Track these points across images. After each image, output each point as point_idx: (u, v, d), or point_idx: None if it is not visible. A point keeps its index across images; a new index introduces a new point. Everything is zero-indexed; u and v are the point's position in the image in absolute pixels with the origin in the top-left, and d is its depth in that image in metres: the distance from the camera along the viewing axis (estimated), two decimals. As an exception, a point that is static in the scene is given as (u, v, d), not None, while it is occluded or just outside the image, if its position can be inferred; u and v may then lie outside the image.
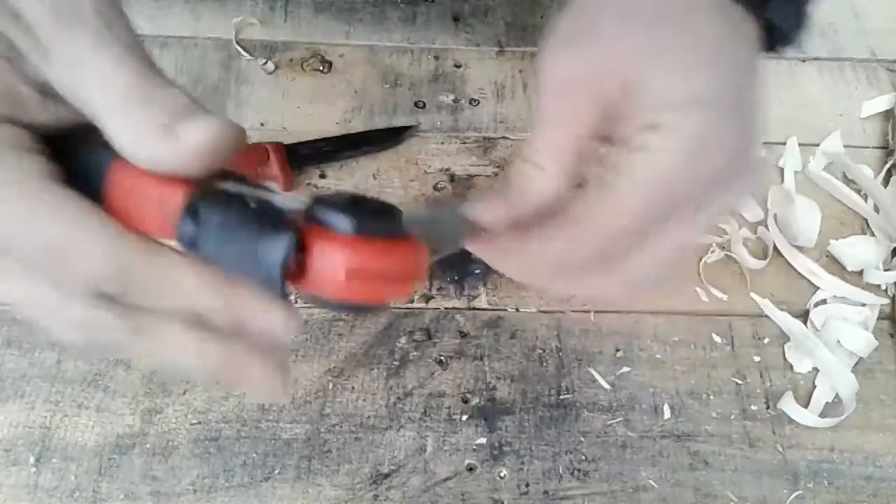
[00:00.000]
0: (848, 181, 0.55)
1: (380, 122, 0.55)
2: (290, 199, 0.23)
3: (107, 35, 0.22)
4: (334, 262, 0.22)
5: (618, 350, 0.48)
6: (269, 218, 0.22)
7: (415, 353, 0.47)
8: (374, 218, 0.23)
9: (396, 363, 0.46)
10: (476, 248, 0.31)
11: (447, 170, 0.53)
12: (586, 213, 0.28)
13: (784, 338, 0.49)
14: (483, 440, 0.44)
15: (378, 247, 0.22)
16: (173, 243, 0.23)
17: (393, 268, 0.22)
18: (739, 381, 0.47)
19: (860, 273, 0.51)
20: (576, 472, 0.44)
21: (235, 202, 0.22)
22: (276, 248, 0.21)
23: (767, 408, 0.46)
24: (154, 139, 0.22)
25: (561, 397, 0.46)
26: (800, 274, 0.51)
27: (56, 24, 0.21)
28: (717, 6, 0.29)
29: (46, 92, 0.23)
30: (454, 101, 0.56)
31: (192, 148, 0.22)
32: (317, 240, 0.22)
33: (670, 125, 0.27)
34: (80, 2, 0.22)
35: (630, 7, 0.28)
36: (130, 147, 0.22)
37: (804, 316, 0.49)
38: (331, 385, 0.45)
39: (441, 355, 0.47)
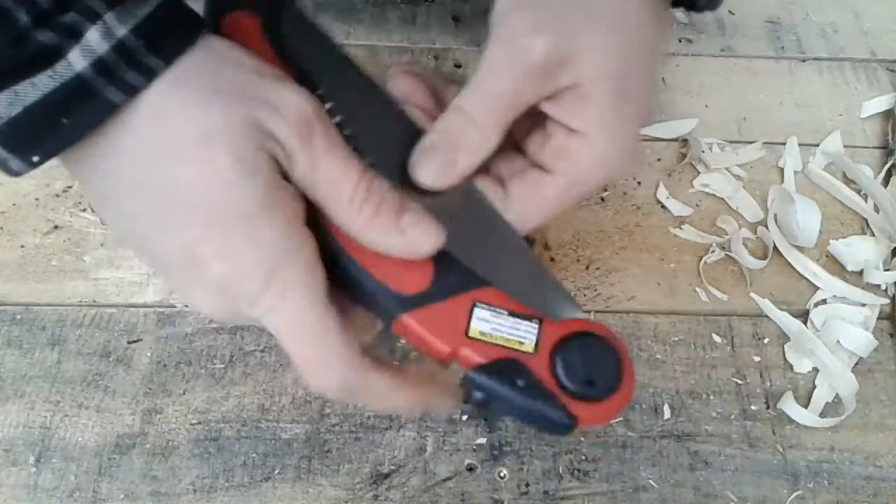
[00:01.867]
0: (848, 181, 0.55)
1: (380, 122, 0.55)
2: (532, 330, 0.29)
3: (337, 144, 0.28)
4: (594, 422, 0.28)
5: (618, 350, 0.48)
6: (542, 397, 0.28)
7: (415, 353, 0.47)
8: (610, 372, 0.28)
9: (396, 363, 0.46)
10: None
11: (447, 170, 0.53)
12: (516, 203, 0.32)
13: (784, 338, 0.49)
14: (483, 440, 0.44)
15: (628, 389, 0.29)
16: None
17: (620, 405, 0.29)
18: (739, 381, 0.47)
19: (860, 273, 0.51)
20: (576, 472, 0.44)
21: (507, 381, 0.28)
22: (556, 424, 0.28)
23: (767, 408, 0.46)
24: (385, 232, 0.28)
25: (561, 397, 0.46)
26: (800, 274, 0.51)
27: (299, 139, 0.27)
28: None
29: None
30: (454, 101, 0.56)
31: (416, 243, 0.28)
32: (581, 412, 0.28)
33: (589, 132, 0.31)
34: (312, 124, 0.27)
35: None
36: (360, 233, 0.28)
37: (804, 316, 0.49)
38: (331, 385, 0.45)
39: (441, 355, 0.47)
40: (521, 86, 0.30)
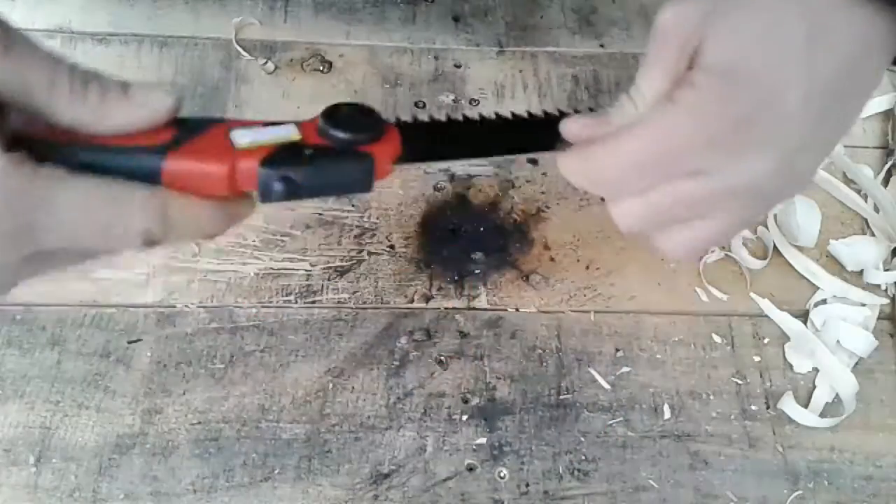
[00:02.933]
0: (848, 181, 0.55)
1: (380, 122, 0.55)
2: (291, 127, 0.31)
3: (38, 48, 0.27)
4: (387, 163, 0.32)
5: (618, 350, 0.48)
6: (330, 155, 0.31)
7: (415, 353, 0.47)
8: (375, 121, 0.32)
9: (396, 363, 0.46)
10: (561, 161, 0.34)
11: (447, 170, 0.53)
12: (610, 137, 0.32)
13: (784, 338, 0.49)
14: (483, 440, 0.44)
15: (395, 136, 0.32)
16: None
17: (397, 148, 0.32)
18: (739, 381, 0.47)
19: (860, 273, 0.51)
20: (576, 472, 0.44)
21: (295, 159, 0.30)
22: (357, 173, 0.31)
23: (767, 408, 0.46)
24: (119, 108, 0.28)
25: (561, 397, 0.46)
26: (800, 274, 0.51)
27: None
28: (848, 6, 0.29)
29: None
30: (454, 101, 0.56)
31: (153, 109, 0.28)
32: (376, 153, 0.31)
33: (695, 84, 0.30)
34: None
35: None
36: (95, 120, 0.27)
37: (804, 316, 0.49)
38: (331, 385, 0.45)
39: (441, 355, 0.47)
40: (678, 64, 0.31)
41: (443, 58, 0.58)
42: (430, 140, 0.35)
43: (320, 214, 0.51)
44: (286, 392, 0.45)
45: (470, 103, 0.56)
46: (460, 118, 0.36)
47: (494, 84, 0.57)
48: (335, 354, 0.46)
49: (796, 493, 0.44)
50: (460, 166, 0.53)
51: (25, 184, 0.26)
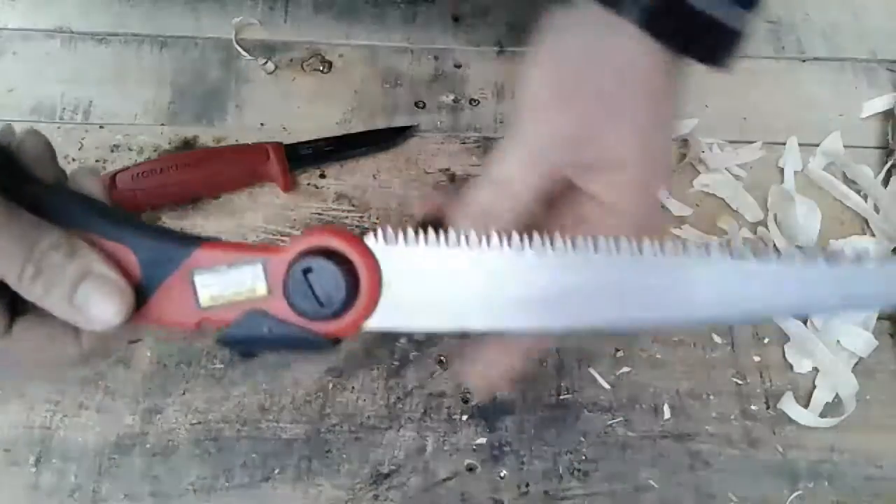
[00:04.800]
0: (848, 181, 0.55)
1: (380, 122, 0.55)
2: (258, 270, 0.28)
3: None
4: (350, 330, 0.28)
5: (618, 350, 0.48)
6: (291, 333, 0.28)
7: (415, 353, 0.47)
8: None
9: (396, 363, 0.46)
10: None
11: (447, 170, 0.53)
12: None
13: (784, 338, 0.49)
14: (483, 440, 0.44)
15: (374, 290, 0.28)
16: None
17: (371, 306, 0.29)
18: (739, 381, 0.47)
19: (860, 273, 0.51)
20: (576, 472, 0.44)
21: (255, 332, 0.28)
22: (317, 348, 0.28)
23: (767, 408, 0.46)
24: (59, 309, 0.27)
25: (561, 397, 0.46)
26: (800, 274, 0.51)
27: None
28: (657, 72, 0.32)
29: None
30: (454, 101, 0.56)
31: (91, 318, 0.27)
32: (333, 328, 0.28)
33: (608, 200, 0.31)
34: None
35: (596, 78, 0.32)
36: (40, 305, 0.27)
37: (804, 316, 0.49)
38: (331, 385, 0.45)
39: (441, 355, 0.47)
40: (547, 155, 0.31)
41: (443, 58, 0.58)
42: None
43: (320, 214, 0.51)
44: (286, 392, 0.45)
45: (470, 103, 0.56)
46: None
47: (494, 84, 0.57)
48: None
49: (796, 493, 0.44)
50: (460, 167, 0.53)
51: None
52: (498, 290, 0.28)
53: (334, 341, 0.28)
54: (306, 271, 0.27)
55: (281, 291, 0.27)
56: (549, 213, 0.33)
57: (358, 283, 0.27)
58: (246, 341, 0.28)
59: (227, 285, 0.27)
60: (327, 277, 0.27)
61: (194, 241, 0.28)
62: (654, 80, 0.32)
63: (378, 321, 0.28)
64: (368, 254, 0.27)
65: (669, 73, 0.32)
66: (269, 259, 0.27)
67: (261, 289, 0.27)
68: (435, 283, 0.28)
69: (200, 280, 0.27)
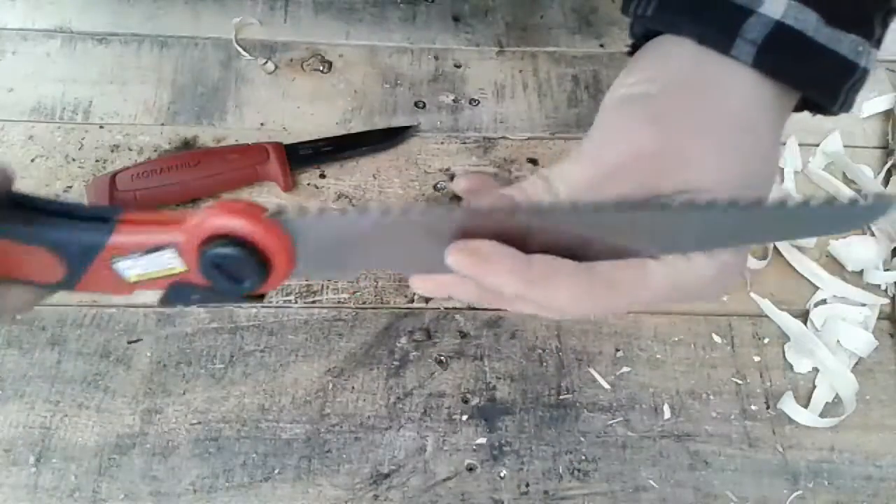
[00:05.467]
0: (848, 181, 0.55)
1: (380, 122, 0.55)
2: (171, 253, 0.28)
3: None
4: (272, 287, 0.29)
5: (618, 350, 0.48)
6: (218, 296, 0.30)
7: (415, 353, 0.47)
8: None
9: (396, 363, 0.46)
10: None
11: (447, 170, 0.53)
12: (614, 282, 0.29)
13: (784, 338, 0.49)
14: (483, 440, 0.44)
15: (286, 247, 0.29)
16: None
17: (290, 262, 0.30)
18: (739, 381, 0.47)
19: (860, 273, 0.51)
20: (576, 472, 0.44)
21: (187, 298, 0.30)
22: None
23: (767, 408, 0.46)
24: None
25: (561, 397, 0.46)
26: (800, 274, 0.51)
27: None
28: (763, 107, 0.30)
29: None
30: (454, 101, 0.56)
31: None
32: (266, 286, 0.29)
33: None
34: None
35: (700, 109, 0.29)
36: None
37: (804, 316, 0.49)
38: (331, 385, 0.45)
39: (441, 355, 0.47)
40: (619, 174, 0.29)
41: (443, 58, 0.58)
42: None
43: (320, 214, 0.51)
44: (286, 392, 0.45)
45: (470, 103, 0.56)
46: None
47: (494, 84, 0.57)
48: (335, 354, 0.46)
49: (796, 493, 0.44)
50: (460, 167, 0.53)
51: None
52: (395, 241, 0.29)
53: (258, 297, 0.30)
54: (216, 261, 0.27)
55: (196, 269, 0.28)
56: None
57: (270, 260, 0.28)
58: (181, 301, 0.30)
59: (147, 267, 0.28)
60: (238, 264, 0.27)
61: (108, 224, 0.28)
62: (756, 117, 0.30)
63: (295, 279, 0.29)
64: (278, 231, 0.27)
65: (773, 107, 0.31)
66: (179, 241, 0.28)
67: (179, 267, 0.28)
68: (344, 245, 0.29)
69: (122, 265, 0.28)
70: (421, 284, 0.31)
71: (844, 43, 0.30)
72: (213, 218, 0.27)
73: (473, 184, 0.33)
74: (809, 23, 0.29)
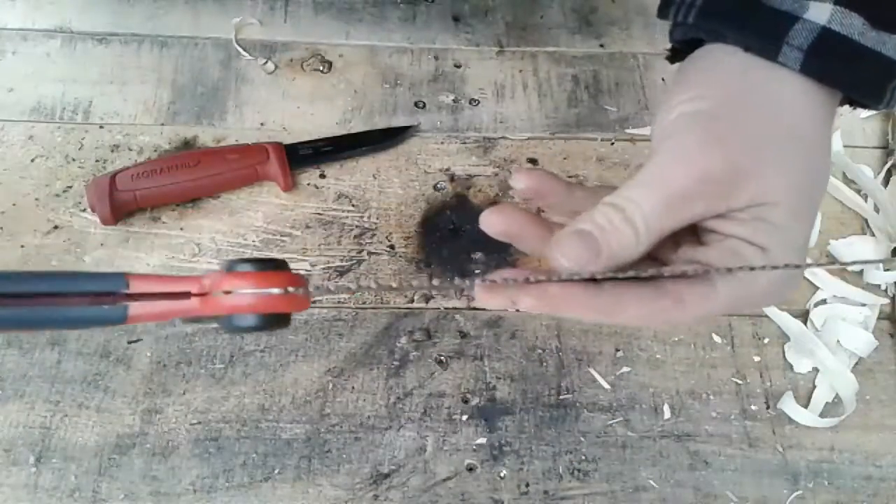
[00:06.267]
0: (848, 181, 0.55)
1: (380, 122, 0.55)
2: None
3: None
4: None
5: (618, 350, 0.48)
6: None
7: (415, 353, 0.47)
8: None
9: (396, 363, 0.46)
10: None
11: (447, 170, 0.53)
12: (687, 301, 0.29)
13: (784, 338, 0.49)
14: (483, 440, 0.44)
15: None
16: None
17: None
18: (739, 381, 0.47)
19: (860, 273, 0.51)
20: (576, 472, 0.44)
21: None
22: None
23: (767, 408, 0.46)
24: None
25: (561, 397, 0.46)
26: (800, 274, 0.51)
27: None
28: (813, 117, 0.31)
29: None
30: (454, 101, 0.56)
31: None
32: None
33: (772, 248, 0.29)
34: None
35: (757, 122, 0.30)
36: None
37: (804, 316, 0.49)
38: (331, 385, 0.45)
39: (441, 355, 0.47)
40: (691, 197, 0.28)
41: (443, 58, 0.58)
42: None
43: (320, 214, 0.51)
44: (286, 392, 0.45)
45: (470, 103, 0.56)
46: None
47: (494, 84, 0.57)
48: (335, 354, 0.46)
49: (796, 493, 0.44)
50: (460, 167, 0.53)
51: None
52: None
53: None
54: (238, 326, 0.27)
55: (211, 317, 0.27)
56: (669, 252, 0.31)
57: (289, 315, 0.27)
58: (186, 322, 0.29)
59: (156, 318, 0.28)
60: (259, 326, 0.27)
61: (121, 311, 0.27)
62: (808, 123, 0.30)
63: None
64: (304, 300, 0.28)
65: (823, 116, 0.31)
66: (195, 308, 0.27)
67: (191, 313, 0.27)
68: None
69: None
70: (486, 297, 0.31)
71: (889, 44, 0.30)
72: (238, 299, 0.27)
73: (534, 183, 0.33)
74: (855, 27, 0.30)
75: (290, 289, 0.27)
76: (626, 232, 0.28)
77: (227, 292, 0.26)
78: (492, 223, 0.32)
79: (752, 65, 0.31)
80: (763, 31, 0.30)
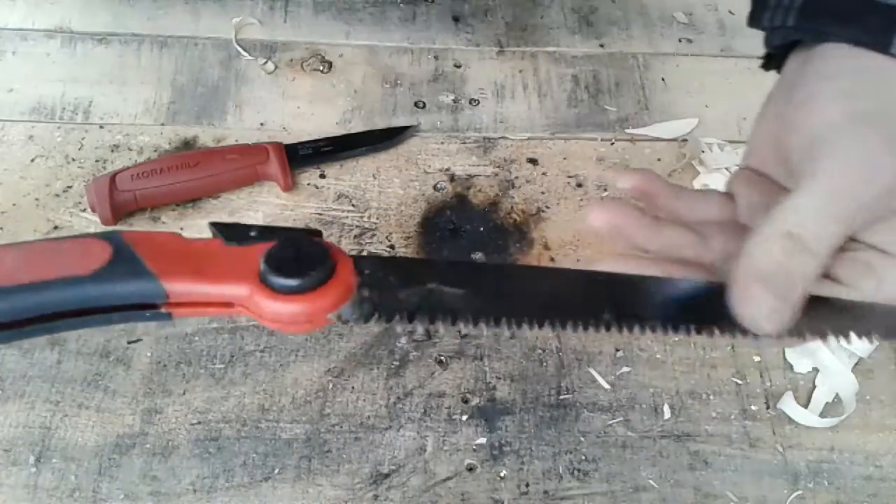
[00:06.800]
0: None
1: (380, 122, 0.55)
2: None
3: None
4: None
5: (618, 350, 0.48)
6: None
7: (415, 353, 0.47)
8: None
9: (396, 363, 0.46)
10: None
11: (447, 170, 0.53)
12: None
13: (784, 338, 0.49)
14: (483, 440, 0.44)
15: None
16: None
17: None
18: (739, 381, 0.47)
19: (860, 273, 0.51)
20: (576, 472, 0.44)
21: None
22: None
23: (767, 408, 0.46)
24: None
25: (561, 397, 0.46)
26: (800, 274, 0.51)
27: None
28: None
29: None
30: (454, 101, 0.56)
31: None
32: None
33: None
34: None
35: None
36: None
37: (804, 316, 0.49)
38: (331, 385, 0.45)
39: (441, 355, 0.47)
40: (869, 206, 0.27)
41: (443, 58, 0.58)
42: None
43: (320, 214, 0.51)
44: (286, 392, 0.45)
45: (470, 103, 0.56)
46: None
47: (494, 84, 0.57)
48: (335, 354, 0.46)
49: (796, 493, 0.44)
50: (460, 167, 0.53)
51: None
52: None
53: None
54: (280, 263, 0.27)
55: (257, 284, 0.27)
56: None
57: (334, 267, 0.28)
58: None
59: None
60: (302, 251, 0.27)
61: (165, 317, 0.28)
62: None
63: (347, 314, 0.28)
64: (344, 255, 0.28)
65: None
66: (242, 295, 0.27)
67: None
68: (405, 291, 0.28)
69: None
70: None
71: None
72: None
73: (640, 184, 0.32)
74: None
75: (330, 315, 0.27)
76: (810, 265, 0.27)
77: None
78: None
79: (865, 56, 0.30)
80: (870, 26, 0.30)
